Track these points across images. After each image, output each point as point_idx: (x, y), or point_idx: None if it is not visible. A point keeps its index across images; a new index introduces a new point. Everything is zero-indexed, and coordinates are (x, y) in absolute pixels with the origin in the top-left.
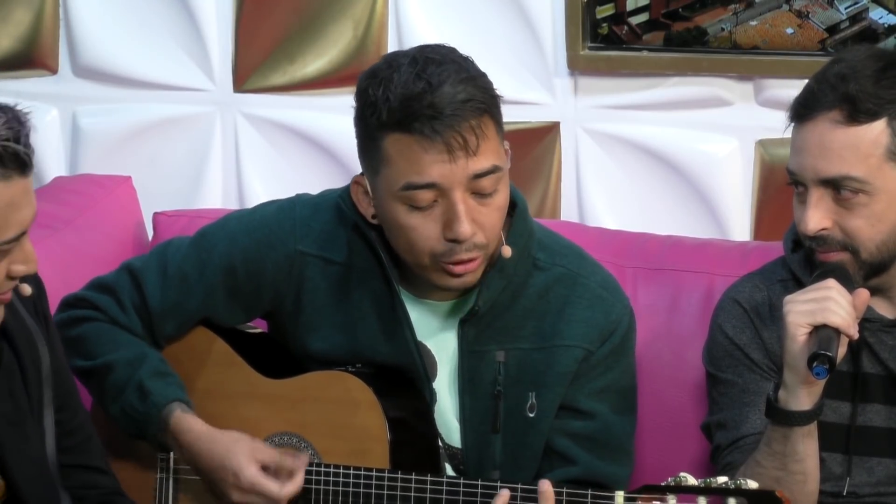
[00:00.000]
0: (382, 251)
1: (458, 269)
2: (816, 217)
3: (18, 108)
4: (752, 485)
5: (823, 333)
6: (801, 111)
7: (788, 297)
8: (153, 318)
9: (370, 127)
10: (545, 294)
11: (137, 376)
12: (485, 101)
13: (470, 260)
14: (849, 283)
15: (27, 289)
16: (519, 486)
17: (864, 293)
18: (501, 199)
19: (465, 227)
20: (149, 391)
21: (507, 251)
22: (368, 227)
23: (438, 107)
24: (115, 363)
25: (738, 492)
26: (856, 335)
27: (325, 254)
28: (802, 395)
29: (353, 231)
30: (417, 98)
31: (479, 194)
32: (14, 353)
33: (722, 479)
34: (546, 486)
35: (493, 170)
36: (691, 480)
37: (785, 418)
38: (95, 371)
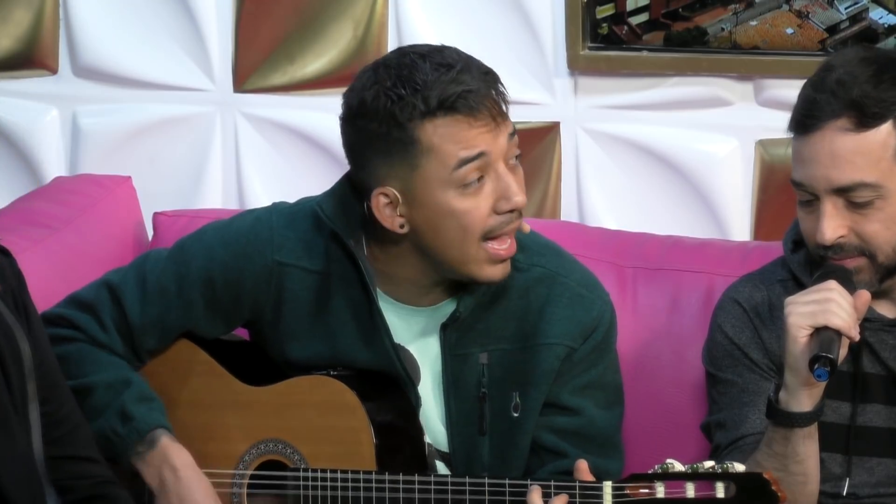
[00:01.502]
0: (361, 258)
1: (504, 252)
2: (832, 226)
3: None
4: (739, 468)
5: (825, 335)
6: (806, 122)
7: (790, 299)
8: (134, 333)
9: (401, 125)
10: (525, 294)
11: (120, 400)
12: (492, 71)
13: (511, 232)
14: (850, 285)
15: None
16: (507, 481)
17: (865, 294)
18: (521, 170)
19: (521, 195)
20: (131, 416)
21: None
22: (347, 235)
23: (470, 83)
24: (95, 385)
25: (726, 476)
26: (857, 337)
27: (303, 263)
28: (803, 397)
29: (331, 239)
30: (449, 80)
31: (511, 163)
32: None
33: (709, 464)
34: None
35: (515, 131)
36: (678, 466)
37: (786, 419)
38: (75, 392)
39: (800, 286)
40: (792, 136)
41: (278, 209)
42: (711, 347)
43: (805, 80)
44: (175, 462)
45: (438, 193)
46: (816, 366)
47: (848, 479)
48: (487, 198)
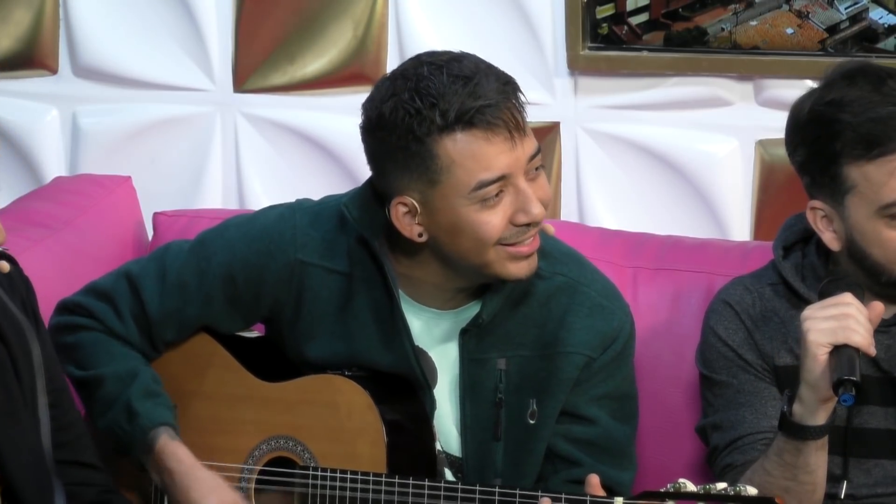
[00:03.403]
0: (385, 261)
1: (525, 249)
2: None
3: None
4: (752, 491)
5: (845, 354)
6: None
7: (806, 313)
8: (152, 324)
9: (418, 139)
10: (546, 303)
11: (126, 395)
12: (512, 80)
13: (533, 236)
14: (861, 294)
15: (5, 266)
16: (517, 491)
17: (878, 306)
18: (543, 173)
19: (539, 208)
20: (136, 412)
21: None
22: (373, 238)
23: (488, 96)
24: (105, 377)
25: (738, 498)
26: (874, 352)
27: (326, 263)
28: (820, 411)
29: (356, 240)
30: (467, 94)
31: (531, 175)
32: (4, 344)
33: (721, 486)
34: None
35: (539, 148)
36: (690, 487)
37: (800, 433)
38: (87, 382)
39: (790, 290)
40: (864, 162)
41: (302, 207)
42: (705, 350)
43: (805, 80)
44: (172, 463)
45: (457, 207)
46: (841, 390)
47: (846, 482)
48: (505, 209)
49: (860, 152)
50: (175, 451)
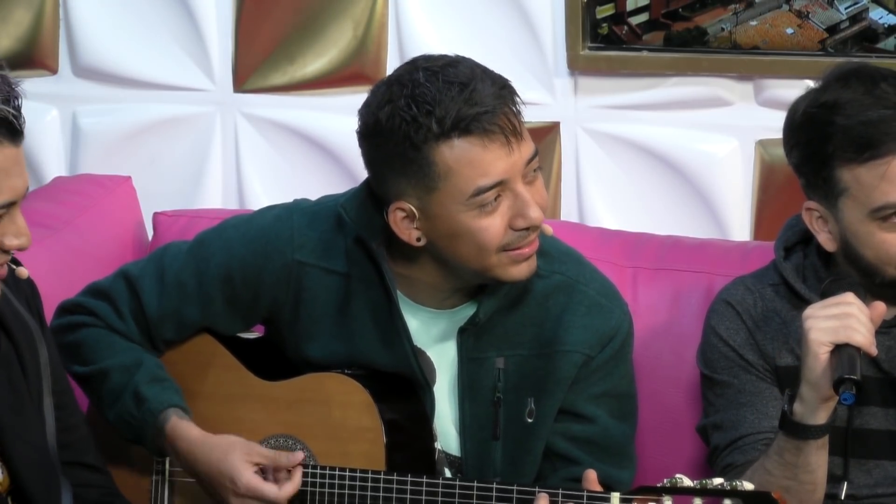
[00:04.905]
0: (383, 262)
1: (526, 251)
2: None
3: (4, 73)
4: (748, 486)
5: (846, 353)
6: (891, 141)
7: (808, 312)
8: (151, 324)
9: (414, 146)
10: (544, 302)
11: (133, 382)
12: (508, 84)
13: (534, 239)
14: (862, 294)
15: (24, 272)
16: (515, 487)
17: (880, 306)
18: (540, 176)
19: (537, 212)
20: (144, 397)
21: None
22: (370, 238)
23: (484, 102)
24: (111, 369)
25: (734, 493)
26: (875, 352)
27: (324, 263)
28: (820, 410)
29: (353, 241)
30: (463, 101)
31: (528, 178)
32: (11, 343)
33: (718, 481)
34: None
35: (537, 151)
36: (687, 482)
37: (801, 432)
38: (92, 377)
39: (791, 291)
40: (855, 165)
41: (300, 207)
42: (706, 350)
43: (805, 80)
44: (182, 444)
45: (455, 213)
46: (842, 389)
47: (846, 483)
48: (504, 215)
49: (852, 155)
50: (186, 429)
